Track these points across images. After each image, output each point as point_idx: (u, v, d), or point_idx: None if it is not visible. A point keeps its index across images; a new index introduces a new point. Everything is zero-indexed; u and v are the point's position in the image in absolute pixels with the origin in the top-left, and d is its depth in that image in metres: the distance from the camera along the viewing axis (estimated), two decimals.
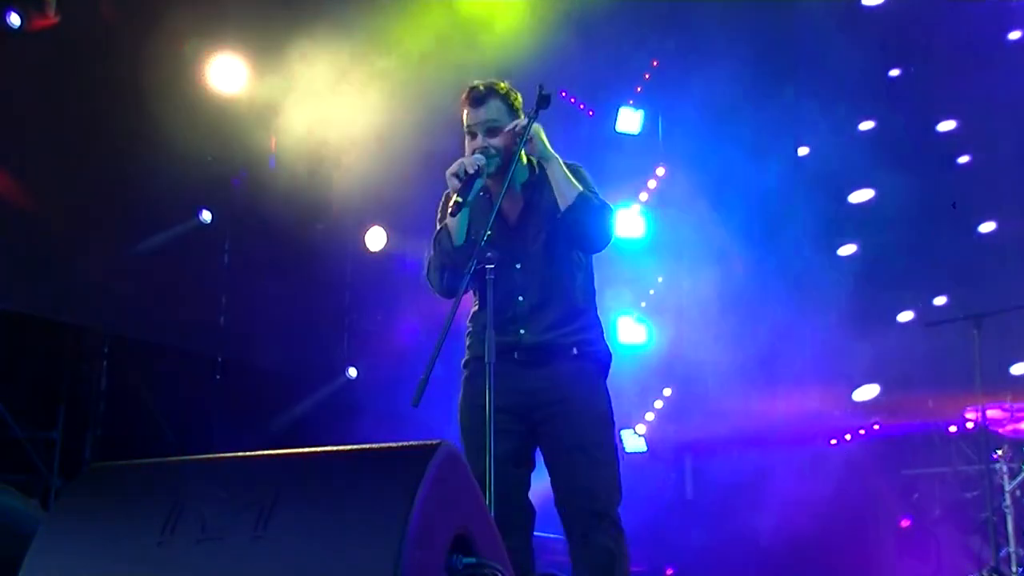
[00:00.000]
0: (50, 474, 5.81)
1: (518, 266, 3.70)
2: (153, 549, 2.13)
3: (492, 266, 3.39)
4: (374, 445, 2.24)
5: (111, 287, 6.13)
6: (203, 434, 6.63)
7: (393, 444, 2.22)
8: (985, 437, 6.34)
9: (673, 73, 8.95)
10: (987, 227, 8.43)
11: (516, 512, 3.58)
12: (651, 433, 8.75)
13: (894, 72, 8.97)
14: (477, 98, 3.69)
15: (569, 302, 3.73)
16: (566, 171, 3.67)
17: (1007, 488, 6.23)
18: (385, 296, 7.93)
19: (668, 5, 8.78)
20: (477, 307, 3.80)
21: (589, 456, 3.58)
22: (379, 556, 1.97)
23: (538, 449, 3.72)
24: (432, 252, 3.74)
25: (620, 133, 8.84)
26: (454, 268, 3.58)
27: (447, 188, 3.61)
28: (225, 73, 6.72)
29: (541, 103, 3.61)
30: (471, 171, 3.52)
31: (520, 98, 3.74)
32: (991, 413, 6.35)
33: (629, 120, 8.86)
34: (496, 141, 3.65)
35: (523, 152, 3.66)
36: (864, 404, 8.52)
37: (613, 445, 3.68)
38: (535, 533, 3.72)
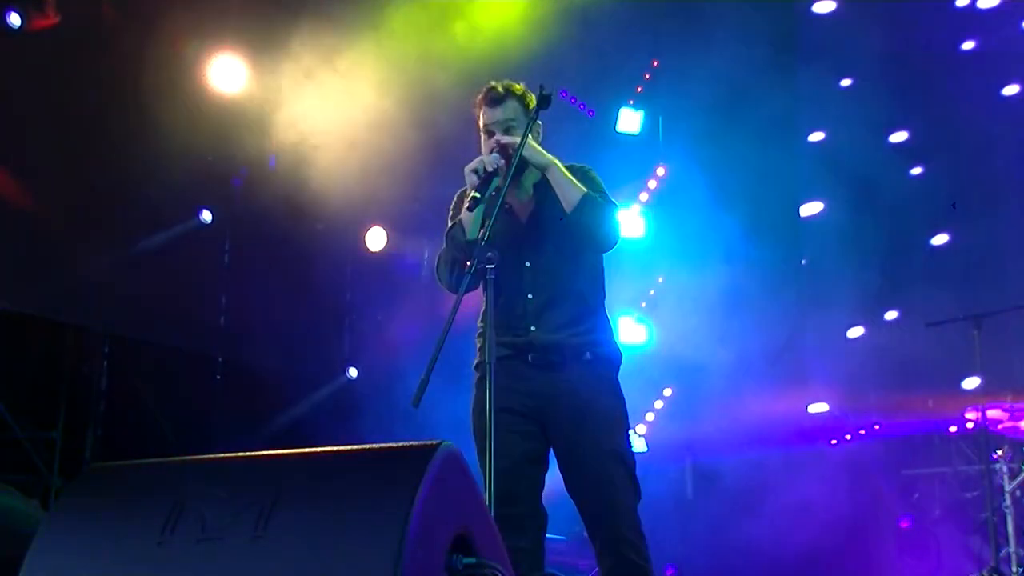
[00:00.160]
0: (50, 474, 5.82)
1: (528, 264, 3.72)
2: (153, 549, 2.13)
3: (492, 266, 3.40)
4: (374, 445, 2.24)
5: (111, 287, 6.13)
6: (203, 434, 6.63)
7: (393, 444, 2.22)
8: (985, 437, 6.34)
9: (673, 73, 8.95)
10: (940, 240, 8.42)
11: (530, 514, 3.60)
12: (651, 433, 8.74)
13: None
14: (495, 98, 3.74)
15: (579, 301, 3.75)
16: (567, 174, 3.70)
17: (1007, 488, 6.24)
18: (385, 296, 7.92)
19: (668, 5, 8.78)
20: (486, 306, 3.82)
21: (607, 460, 3.60)
22: (379, 556, 1.97)
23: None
24: (444, 246, 3.76)
25: (620, 133, 8.83)
26: (465, 262, 3.60)
27: (449, 188, 3.63)
28: (225, 73, 6.72)
29: (541, 103, 3.64)
30: (490, 169, 3.56)
31: (535, 99, 3.75)
32: (991, 413, 6.36)
33: (629, 120, 8.85)
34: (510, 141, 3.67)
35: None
36: (864, 404, 8.52)
37: (628, 445, 3.70)
38: None
